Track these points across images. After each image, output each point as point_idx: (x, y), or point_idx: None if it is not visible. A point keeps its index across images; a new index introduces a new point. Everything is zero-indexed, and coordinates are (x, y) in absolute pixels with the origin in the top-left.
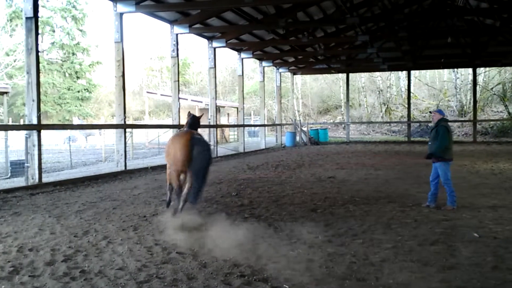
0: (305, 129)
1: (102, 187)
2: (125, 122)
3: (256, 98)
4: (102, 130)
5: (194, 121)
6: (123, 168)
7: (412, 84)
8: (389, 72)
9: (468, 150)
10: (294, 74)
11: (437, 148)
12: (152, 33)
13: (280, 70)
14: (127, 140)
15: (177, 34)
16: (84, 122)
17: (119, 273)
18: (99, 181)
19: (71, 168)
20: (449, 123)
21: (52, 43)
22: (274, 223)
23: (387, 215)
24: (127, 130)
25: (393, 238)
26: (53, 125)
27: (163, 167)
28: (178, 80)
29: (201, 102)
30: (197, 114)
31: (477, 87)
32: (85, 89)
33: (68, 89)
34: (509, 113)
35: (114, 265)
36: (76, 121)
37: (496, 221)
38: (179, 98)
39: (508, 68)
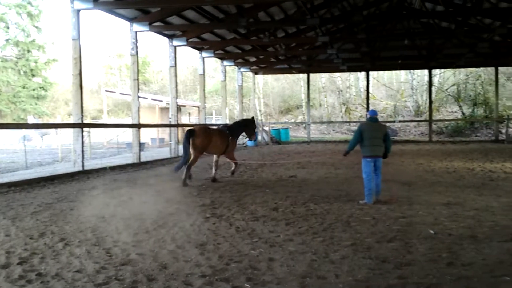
0: (266, 128)
1: (58, 188)
2: (82, 121)
3: (217, 97)
4: (59, 129)
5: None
6: (80, 169)
7: (370, 85)
8: (349, 72)
9: (424, 149)
10: (256, 73)
11: (348, 146)
12: (111, 31)
13: (242, 69)
14: (84, 139)
15: (136, 32)
16: (40, 121)
17: (77, 276)
18: (56, 182)
19: (26, 168)
20: (403, 122)
21: (7, 40)
22: (236, 223)
23: (347, 213)
24: (85, 129)
25: (353, 235)
26: (7, 124)
27: (122, 167)
28: (138, 79)
29: (162, 101)
30: (156, 113)
31: (433, 88)
32: (40, 87)
33: (23, 87)
34: (463, 113)
35: (71, 267)
36: (31, 120)
37: (451, 218)
38: (138, 97)
39: (462, 69)
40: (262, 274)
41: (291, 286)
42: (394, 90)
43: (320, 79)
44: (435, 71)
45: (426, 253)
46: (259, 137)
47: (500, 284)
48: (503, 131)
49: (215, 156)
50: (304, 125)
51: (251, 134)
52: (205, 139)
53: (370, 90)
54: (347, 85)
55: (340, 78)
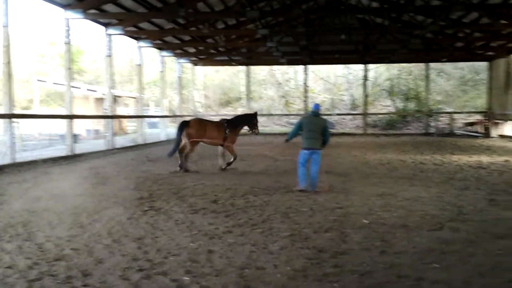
0: None
1: None
2: (12, 111)
3: (156, 88)
4: None
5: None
6: (10, 161)
7: (309, 78)
8: (288, 66)
9: (359, 142)
10: (195, 65)
11: (288, 135)
12: (44, 18)
13: (181, 60)
14: (14, 131)
15: (70, 19)
16: None
17: (8, 272)
18: None
19: None
20: (342, 116)
21: None
22: (175, 216)
23: (286, 204)
24: (15, 120)
25: (291, 226)
26: None
27: (54, 160)
28: (71, 68)
29: (96, 91)
30: (91, 104)
31: (368, 83)
32: None
33: None
34: (396, 107)
35: (2, 263)
36: None
37: (384, 208)
38: (72, 87)
39: (396, 65)
40: (201, 266)
41: (230, 278)
42: (332, 84)
43: (260, 71)
44: (370, 66)
45: (360, 242)
46: None
47: (430, 270)
48: (433, 124)
49: (220, 147)
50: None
51: (253, 128)
52: (199, 129)
53: (309, 83)
54: (287, 78)
55: (280, 71)
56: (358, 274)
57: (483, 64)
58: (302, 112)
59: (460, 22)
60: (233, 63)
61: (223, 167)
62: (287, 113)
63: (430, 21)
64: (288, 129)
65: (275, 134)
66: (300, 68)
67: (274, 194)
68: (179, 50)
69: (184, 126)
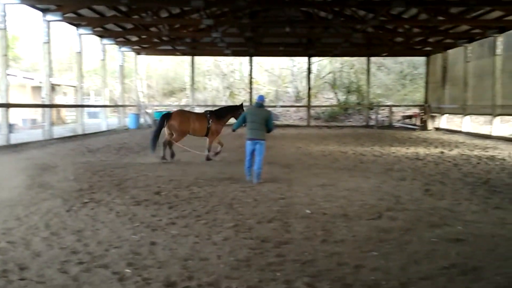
0: (149, 111)
1: None
2: None
3: (96, 77)
4: None
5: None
6: None
7: (254, 70)
8: (233, 57)
9: (303, 134)
10: (138, 54)
11: (233, 125)
12: None
13: (123, 49)
14: None
15: (5, 4)
16: None
17: None
18: None
19: None
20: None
21: None
22: (116, 208)
23: (230, 195)
24: None
25: (235, 217)
26: None
27: None
28: (7, 55)
29: (34, 79)
30: (28, 92)
31: (311, 75)
32: None
33: None
34: (338, 100)
35: None
36: None
37: (326, 198)
38: (8, 74)
39: (338, 58)
40: (143, 258)
41: (173, 269)
42: (276, 76)
43: (204, 62)
44: (314, 59)
45: (302, 231)
46: (142, 120)
47: (368, 258)
48: (373, 117)
49: (207, 138)
50: (188, 108)
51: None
52: (182, 121)
53: (254, 75)
54: (232, 70)
55: (225, 62)
56: (300, 262)
57: (421, 59)
58: (247, 104)
59: (400, 18)
60: (177, 53)
61: (210, 157)
62: (232, 104)
63: (372, 16)
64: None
65: None
66: (245, 59)
67: (219, 185)
68: (121, 38)
69: (166, 118)
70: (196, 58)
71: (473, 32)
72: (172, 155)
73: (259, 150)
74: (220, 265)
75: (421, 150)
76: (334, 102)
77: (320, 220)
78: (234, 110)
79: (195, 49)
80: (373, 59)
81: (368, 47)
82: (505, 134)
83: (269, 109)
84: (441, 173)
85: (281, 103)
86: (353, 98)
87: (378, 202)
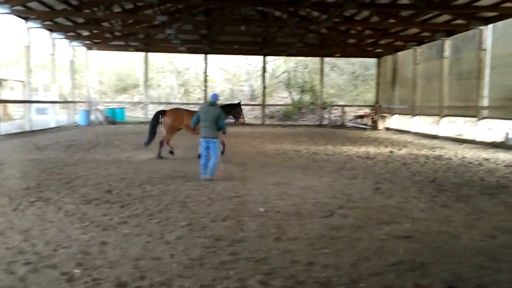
0: (101, 107)
1: None
2: None
3: (45, 72)
4: None
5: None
6: None
7: (209, 68)
8: (188, 54)
9: (257, 132)
10: (89, 49)
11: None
12: None
13: (74, 43)
14: None
15: None
16: None
17: None
18: None
19: None
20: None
21: None
22: (65, 207)
23: (183, 194)
24: None
25: (188, 216)
26: None
27: None
28: None
29: None
30: None
31: (266, 74)
32: None
33: None
34: (292, 99)
35: None
36: None
37: (280, 196)
38: None
39: (293, 58)
40: (93, 258)
41: (124, 269)
42: (231, 74)
43: (159, 59)
44: (269, 58)
45: (256, 229)
46: (93, 117)
47: (320, 255)
48: (326, 116)
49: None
50: (141, 105)
51: (238, 117)
52: (176, 119)
53: (209, 73)
54: (186, 67)
55: (179, 59)
56: (254, 260)
57: (373, 61)
58: (201, 102)
59: (353, 20)
60: (130, 49)
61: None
62: (187, 102)
63: (325, 17)
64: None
65: None
66: (200, 57)
67: (172, 183)
68: (71, 32)
69: (160, 115)
70: (150, 54)
71: (422, 35)
72: (171, 152)
73: (212, 148)
74: (173, 264)
75: (372, 149)
76: (289, 101)
77: (274, 218)
78: (232, 109)
79: (149, 45)
80: (326, 59)
81: (322, 48)
82: (451, 134)
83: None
84: (390, 172)
85: (236, 102)
86: (307, 97)
87: (330, 200)
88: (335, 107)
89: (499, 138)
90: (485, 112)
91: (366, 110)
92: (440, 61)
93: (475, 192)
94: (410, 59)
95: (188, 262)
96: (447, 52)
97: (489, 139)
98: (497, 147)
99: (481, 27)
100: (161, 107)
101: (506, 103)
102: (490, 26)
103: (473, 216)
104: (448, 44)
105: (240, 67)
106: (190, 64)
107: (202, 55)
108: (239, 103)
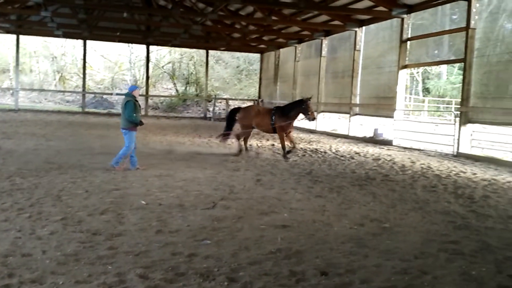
0: None
1: None
2: None
3: None
4: None
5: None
6: None
7: (88, 54)
8: (65, 39)
9: None
10: None
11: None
12: None
13: None
14: None
15: None
16: None
17: None
18: None
19: None
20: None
21: None
22: None
23: (58, 186)
24: None
25: (63, 210)
26: None
27: None
28: None
29: None
30: None
31: (150, 64)
32: None
33: None
34: (177, 90)
35: None
36: None
37: (162, 189)
38: None
39: (178, 49)
40: None
41: None
42: (113, 62)
43: (32, 42)
44: (153, 48)
45: (137, 223)
46: None
47: (202, 246)
48: (211, 109)
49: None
50: (11, 91)
51: (306, 113)
52: (245, 117)
53: (87, 59)
54: (63, 52)
55: (55, 43)
56: (133, 254)
57: (256, 56)
58: (79, 89)
59: (237, 14)
60: (0, 31)
61: (287, 157)
62: (63, 89)
63: (211, 9)
64: (63, 106)
65: (47, 111)
66: (78, 42)
67: (46, 176)
68: None
69: (235, 112)
70: (22, 37)
71: (303, 33)
72: (246, 149)
73: (125, 139)
74: (45, 261)
75: (254, 143)
76: (173, 92)
77: (156, 211)
78: (299, 105)
79: (21, 27)
80: (211, 52)
81: (207, 40)
82: (327, 129)
83: (105, 96)
84: (271, 164)
85: (117, 91)
86: (191, 89)
87: (213, 192)
88: (220, 100)
89: (369, 133)
90: (357, 109)
91: (250, 104)
92: (318, 60)
93: (347, 183)
94: (291, 56)
95: (62, 258)
96: (324, 51)
97: (360, 134)
98: (367, 142)
99: (356, 29)
100: (34, 94)
101: (375, 101)
102: (364, 28)
103: (344, 205)
104: (325, 43)
105: (123, 56)
106: (67, 49)
107: (81, 41)
108: (308, 98)
